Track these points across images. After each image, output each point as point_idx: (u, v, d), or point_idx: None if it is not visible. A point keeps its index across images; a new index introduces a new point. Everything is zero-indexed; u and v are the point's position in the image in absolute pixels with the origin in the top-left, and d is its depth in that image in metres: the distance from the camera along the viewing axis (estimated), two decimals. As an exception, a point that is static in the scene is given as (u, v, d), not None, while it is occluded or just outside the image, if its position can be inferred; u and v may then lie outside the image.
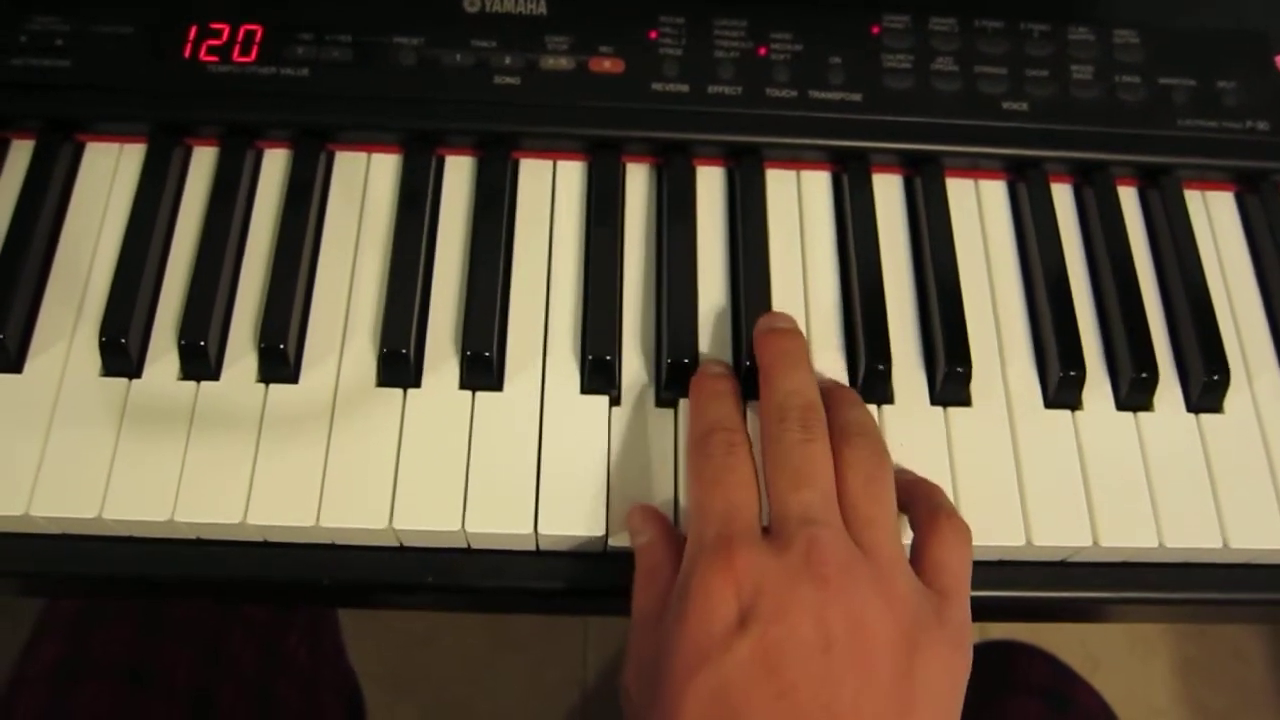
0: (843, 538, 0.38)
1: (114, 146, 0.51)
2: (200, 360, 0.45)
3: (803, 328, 0.48)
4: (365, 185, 0.51)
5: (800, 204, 0.52)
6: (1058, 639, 0.82)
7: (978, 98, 0.52)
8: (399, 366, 0.45)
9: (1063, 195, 0.53)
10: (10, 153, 0.51)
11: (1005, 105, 0.52)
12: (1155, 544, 0.45)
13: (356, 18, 0.52)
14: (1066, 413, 0.47)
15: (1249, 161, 0.53)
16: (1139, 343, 0.48)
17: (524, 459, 0.45)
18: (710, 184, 0.52)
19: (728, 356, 0.48)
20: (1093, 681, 0.69)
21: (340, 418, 0.45)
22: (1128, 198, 0.53)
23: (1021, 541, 0.45)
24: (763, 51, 0.52)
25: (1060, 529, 0.45)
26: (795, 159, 0.52)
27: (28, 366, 0.46)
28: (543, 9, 0.52)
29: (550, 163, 0.52)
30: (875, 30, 0.53)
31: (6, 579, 0.47)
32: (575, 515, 0.44)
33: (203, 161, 0.51)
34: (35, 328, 0.47)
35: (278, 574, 0.45)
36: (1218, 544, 0.45)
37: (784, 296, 0.49)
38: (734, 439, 0.41)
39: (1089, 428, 0.47)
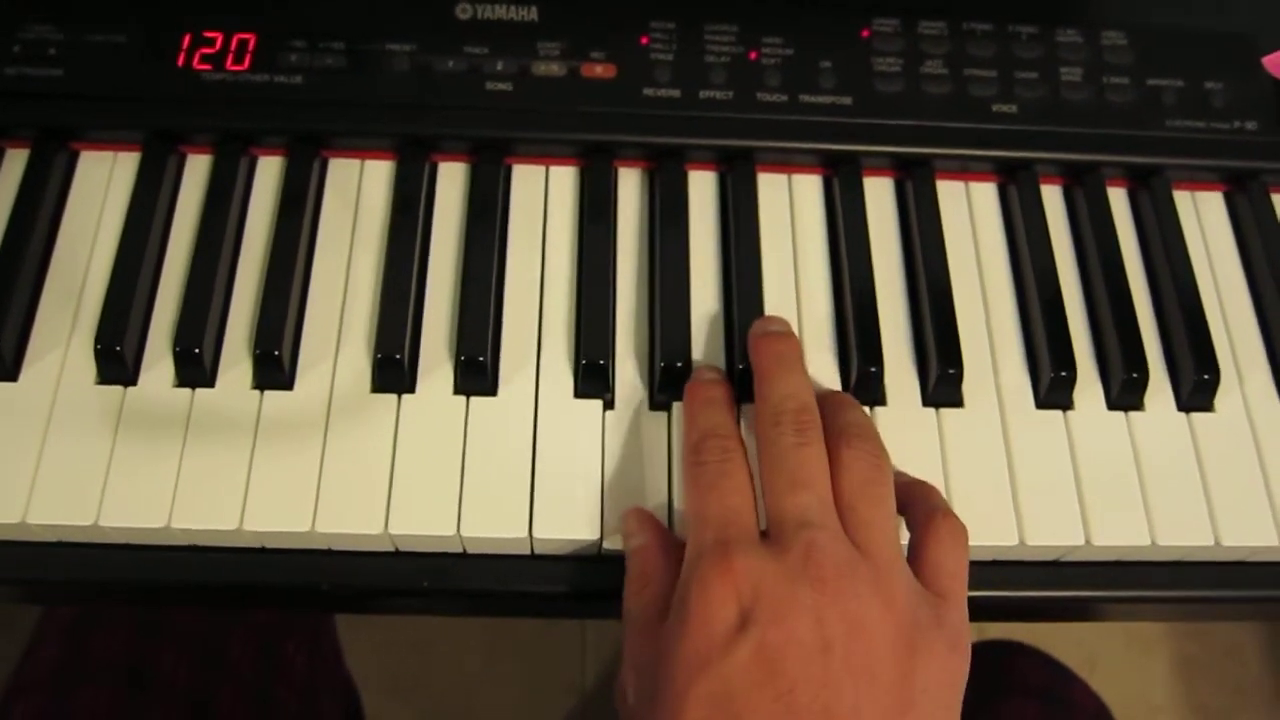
0: (840, 540, 0.39)
1: (108, 155, 0.51)
2: (195, 367, 0.46)
3: (795, 330, 0.48)
4: (359, 191, 0.51)
5: (792, 207, 0.52)
6: (1055, 639, 0.82)
7: (968, 100, 0.52)
8: (393, 372, 0.46)
9: (1053, 197, 0.53)
10: (5, 161, 0.51)
11: (995, 108, 0.52)
12: (1148, 542, 0.45)
13: (349, 25, 0.52)
14: (1058, 413, 0.48)
15: (1237, 161, 0.53)
16: (1129, 343, 0.48)
17: (518, 463, 0.45)
18: (702, 188, 0.52)
19: (721, 360, 0.48)
20: (1091, 681, 0.69)
21: (335, 423, 0.45)
22: (1117, 199, 0.53)
23: (1014, 541, 0.45)
24: (753, 56, 0.52)
25: (1053, 528, 0.45)
26: (787, 163, 0.53)
27: (23, 375, 0.46)
28: (534, 15, 0.53)
29: (543, 168, 0.52)
30: (865, 34, 0.53)
31: (4, 586, 0.47)
32: (569, 519, 0.44)
33: (197, 169, 0.51)
34: (31, 336, 0.47)
35: (274, 579, 0.45)
36: (1210, 542, 0.45)
37: (776, 299, 0.49)
38: (728, 445, 0.42)
39: (1081, 428, 0.47)
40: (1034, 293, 0.50)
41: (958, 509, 0.44)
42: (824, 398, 0.44)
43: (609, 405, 0.47)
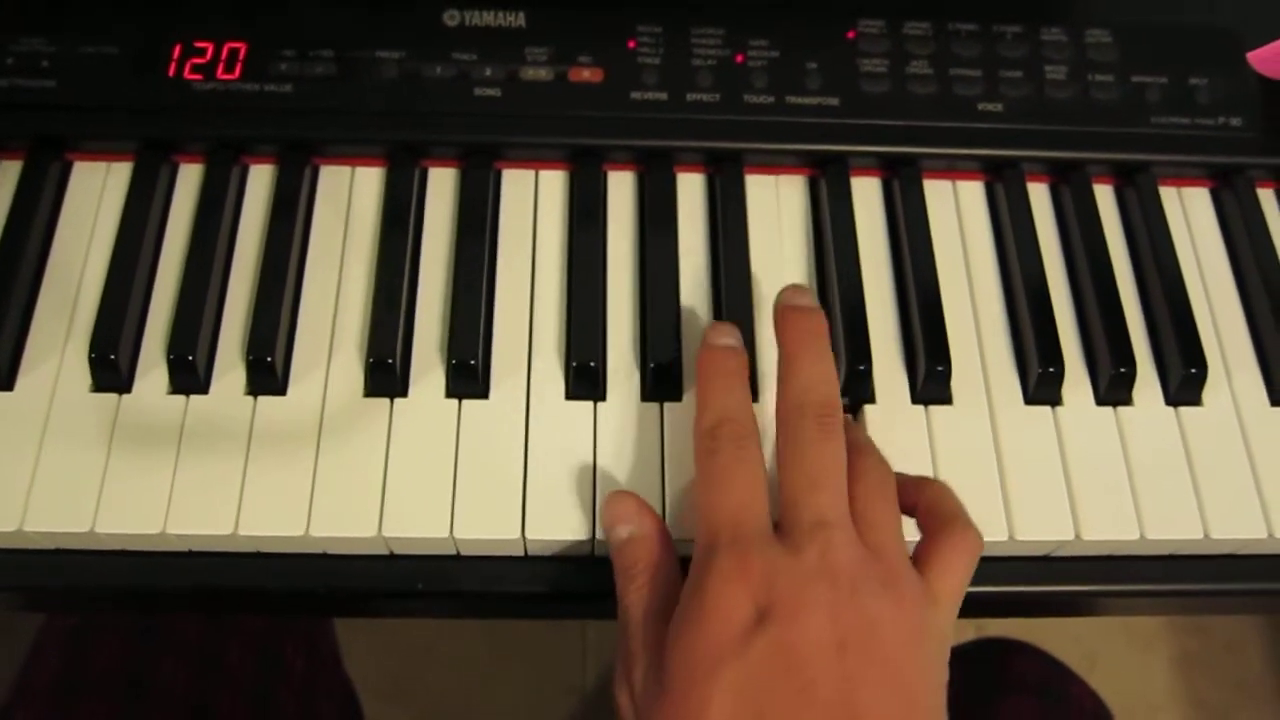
0: (854, 540, 0.39)
1: (101, 165, 0.52)
2: (189, 374, 0.46)
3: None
4: (350, 198, 0.51)
5: (780, 208, 0.52)
6: (1054, 636, 0.82)
7: (953, 100, 0.53)
8: (386, 376, 0.46)
9: (1039, 194, 0.54)
10: (-1, 173, 0.51)
11: (981, 107, 0.53)
12: (1137, 536, 0.45)
13: (338, 33, 0.52)
14: (1047, 409, 0.48)
15: (1223, 157, 0.53)
16: (1117, 338, 0.49)
17: (510, 465, 0.45)
18: (691, 190, 0.52)
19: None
20: (1090, 678, 0.69)
21: (329, 428, 0.46)
22: (1104, 196, 0.54)
23: (1005, 536, 0.45)
24: (740, 58, 0.53)
25: (1043, 523, 0.45)
26: (774, 164, 0.53)
27: (19, 384, 0.46)
28: (522, 21, 0.53)
29: (533, 172, 0.52)
30: (851, 35, 0.54)
31: (2, 594, 0.48)
32: (562, 520, 0.44)
33: (189, 178, 0.52)
34: (26, 345, 0.47)
35: (270, 584, 0.45)
36: (1199, 535, 0.46)
37: (766, 299, 0.50)
38: (742, 431, 0.41)
39: (1069, 423, 0.48)
40: (1021, 290, 0.50)
41: (948, 505, 0.45)
42: None
43: (600, 406, 0.47)
